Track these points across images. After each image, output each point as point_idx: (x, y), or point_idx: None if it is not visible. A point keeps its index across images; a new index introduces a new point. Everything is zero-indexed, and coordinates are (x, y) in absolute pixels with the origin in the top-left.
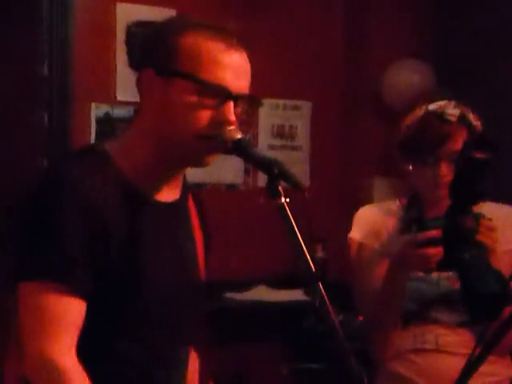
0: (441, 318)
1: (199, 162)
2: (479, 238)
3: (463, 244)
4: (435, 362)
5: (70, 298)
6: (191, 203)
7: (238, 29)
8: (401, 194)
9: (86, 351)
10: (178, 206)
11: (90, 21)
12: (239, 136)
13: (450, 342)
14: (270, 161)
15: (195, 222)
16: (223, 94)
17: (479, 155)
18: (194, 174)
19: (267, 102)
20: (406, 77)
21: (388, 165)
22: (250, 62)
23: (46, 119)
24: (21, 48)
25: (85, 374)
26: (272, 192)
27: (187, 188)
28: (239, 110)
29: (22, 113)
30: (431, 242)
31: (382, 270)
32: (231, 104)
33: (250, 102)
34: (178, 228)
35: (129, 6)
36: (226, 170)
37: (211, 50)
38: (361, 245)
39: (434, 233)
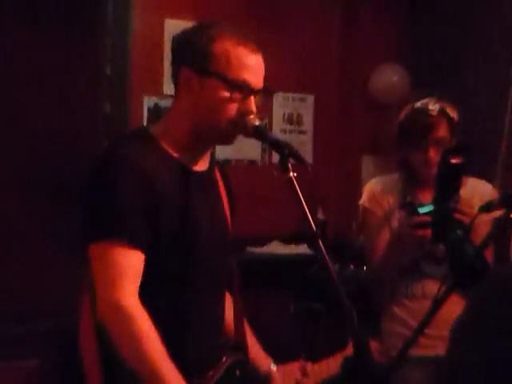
0: (428, 271)
1: (227, 141)
2: (458, 216)
3: (448, 226)
4: (422, 306)
5: (131, 253)
6: (217, 173)
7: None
8: (384, 168)
9: (149, 296)
10: (207, 174)
11: (144, 33)
12: (257, 123)
13: (434, 291)
14: (281, 142)
15: (221, 188)
16: (247, 90)
17: (455, 160)
18: (223, 152)
19: (280, 95)
20: (387, 77)
21: (374, 145)
22: (268, 64)
23: (109, 109)
24: (91, 53)
25: (147, 315)
26: (283, 167)
27: (214, 161)
28: (257, 98)
29: (89, 104)
30: (422, 225)
31: (384, 233)
32: (252, 97)
33: (265, 93)
34: (209, 191)
35: (175, 21)
36: (247, 148)
37: (237, 55)
38: (366, 209)
39: (425, 218)
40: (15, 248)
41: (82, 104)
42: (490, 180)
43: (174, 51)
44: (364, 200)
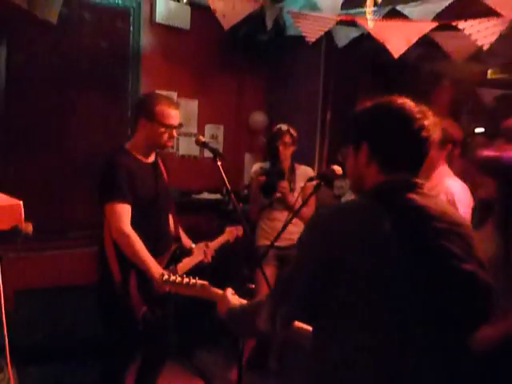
0: (276, 206)
1: (163, 148)
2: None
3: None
4: (274, 223)
5: (125, 206)
6: (160, 162)
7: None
8: (254, 159)
9: (134, 224)
10: (154, 164)
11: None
12: (203, 139)
13: (280, 216)
14: (214, 148)
15: (163, 169)
16: (172, 127)
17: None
18: (184, 150)
19: (208, 126)
20: (257, 117)
21: (250, 149)
22: (205, 112)
23: (129, 132)
24: (121, 103)
25: (135, 234)
26: (214, 159)
27: (157, 155)
28: (176, 129)
29: (120, 128)
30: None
31: (257, 189)
32: (174, 130)
33: (179, 127)
34: (154, 171)
35: (161, 91)
36: (193, 149)
37: (168, 111)
38: (252, 178)
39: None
40: (74, 197)
41: (116, 128)
42: (311, 166)
43: (137, 106)
44: (251, 174)
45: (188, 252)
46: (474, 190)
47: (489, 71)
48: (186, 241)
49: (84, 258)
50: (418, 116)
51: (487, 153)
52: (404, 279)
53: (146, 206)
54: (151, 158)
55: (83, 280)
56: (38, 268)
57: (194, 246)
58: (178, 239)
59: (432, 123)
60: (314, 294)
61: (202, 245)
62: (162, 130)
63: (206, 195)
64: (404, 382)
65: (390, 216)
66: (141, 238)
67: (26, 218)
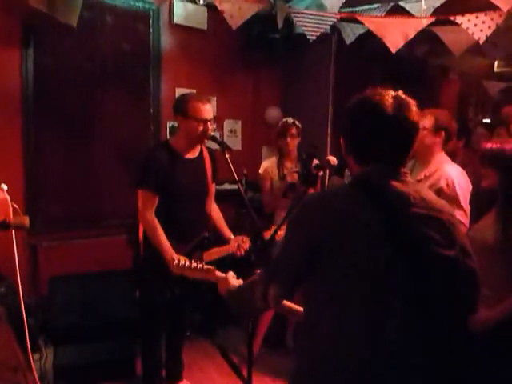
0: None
1: (201, 143)
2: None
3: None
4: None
5: (152, 195)
6: (206, 156)
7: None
8: (271, 151)
9: (158, 212)
10: (196, 159)
11: (166, 94)
12: (213, 134)
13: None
14: (222, 141)
15: (207, 164)
16: (205, 121)
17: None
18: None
19: (227, 121)
20: (272, 112)
21: (267, 141)
22: (225, 109)
23: (152, 128)
24: (145, 104)
25: (157, 221)
26: (222, 152)
27: (202, 150)
28: (211, 122)
29: (143, 126)
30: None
31: (268, 184)
32: (208, 123)
33: (214, 120)
34: (195, 166)
35: (180, 89)
36: (214, 143)
37: (200, 107)
38: (261, 174)
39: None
40: (105, 188)
41: (140, 124)
42: (323, 157)
43: (174, 107)
44: (260, 171)
45: (221, 242)
46: (475, 179)
47: (495, 63)
48: (226, 232)
49: (115, 246)
50: (393, 111)
51: (490, 145)
52: (385, 263)
53: (180, 196)
54: (194, 153)
55: (114, 267)
56: (71, 255)
57: (232, 237)
58: (214, 229)
59: (412, 115)
60: (301, 273)
61: (238, 238)
62: (197, 124)
63: (226, 186)
64: (384, 358)
65: (371, 201)
66: (169, 225)
67: (61, 208)
